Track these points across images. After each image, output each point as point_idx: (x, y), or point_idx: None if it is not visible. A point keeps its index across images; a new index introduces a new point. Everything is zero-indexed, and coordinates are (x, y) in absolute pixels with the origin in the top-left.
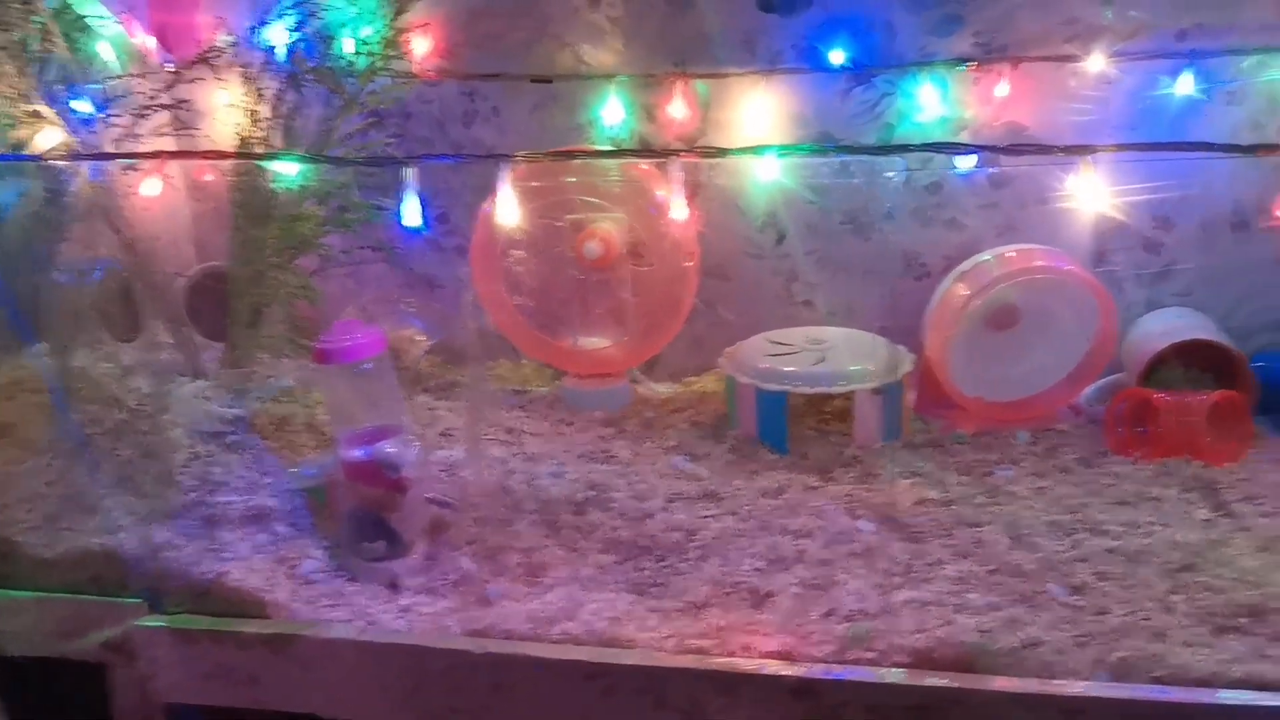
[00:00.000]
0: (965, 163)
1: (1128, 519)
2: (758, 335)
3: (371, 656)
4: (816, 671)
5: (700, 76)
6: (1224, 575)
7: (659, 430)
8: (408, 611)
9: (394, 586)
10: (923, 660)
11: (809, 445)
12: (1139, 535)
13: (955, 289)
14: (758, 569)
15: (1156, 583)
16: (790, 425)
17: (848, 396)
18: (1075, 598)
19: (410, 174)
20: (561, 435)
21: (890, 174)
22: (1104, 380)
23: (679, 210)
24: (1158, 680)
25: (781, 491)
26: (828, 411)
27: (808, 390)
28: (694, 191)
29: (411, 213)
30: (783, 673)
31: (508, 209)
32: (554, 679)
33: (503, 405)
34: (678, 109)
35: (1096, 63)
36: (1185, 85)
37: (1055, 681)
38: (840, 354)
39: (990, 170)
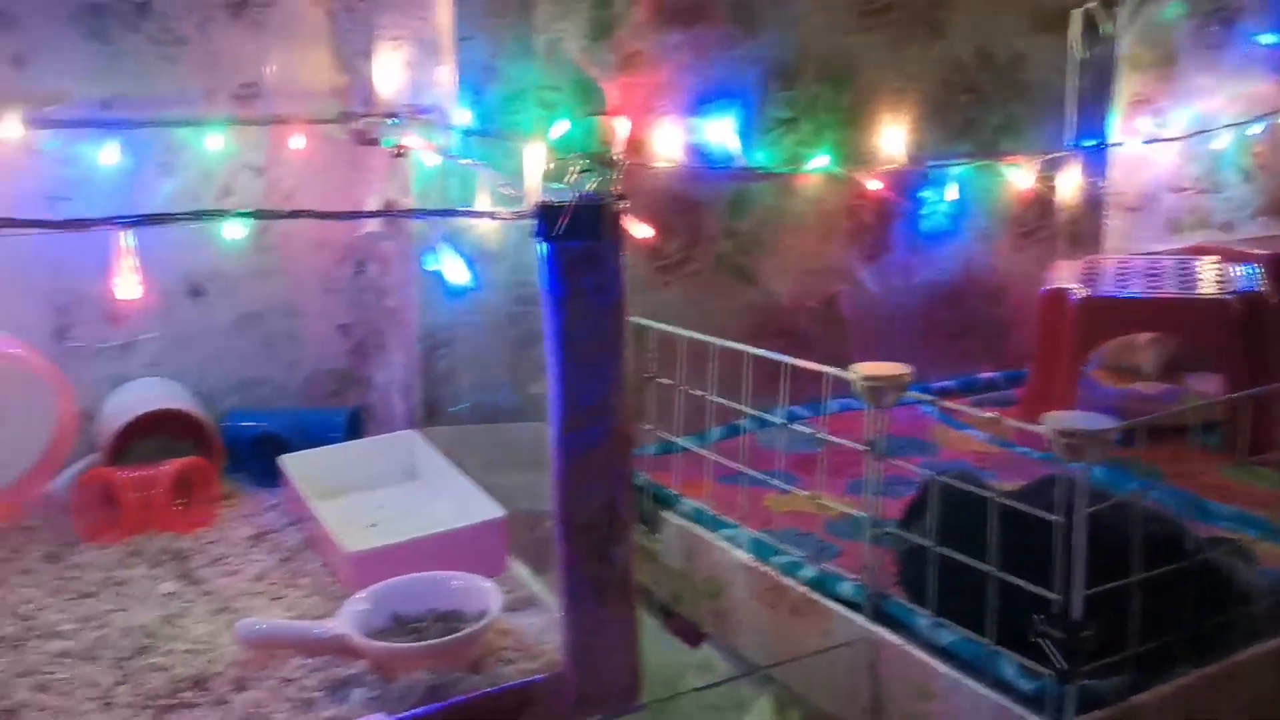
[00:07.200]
0: None
1: (86, 612)
2: None
3: None
4: None
5: None
6: (175, 650)
7: None
8: None
9: None
10: None
11: None
12: (94, 628)
13: None
14: None
15: (103, 678)
16: None
17: None
18: None
19: None
20: None
21: None
22: (79, 464)
23: None
24: None
25: None
26: None
27: None
28: None
29: None
30: None
31: None
32: None
33: None
34: None
35: (13, 129)
36: (112, 155)
37: None
38: None
39: None
